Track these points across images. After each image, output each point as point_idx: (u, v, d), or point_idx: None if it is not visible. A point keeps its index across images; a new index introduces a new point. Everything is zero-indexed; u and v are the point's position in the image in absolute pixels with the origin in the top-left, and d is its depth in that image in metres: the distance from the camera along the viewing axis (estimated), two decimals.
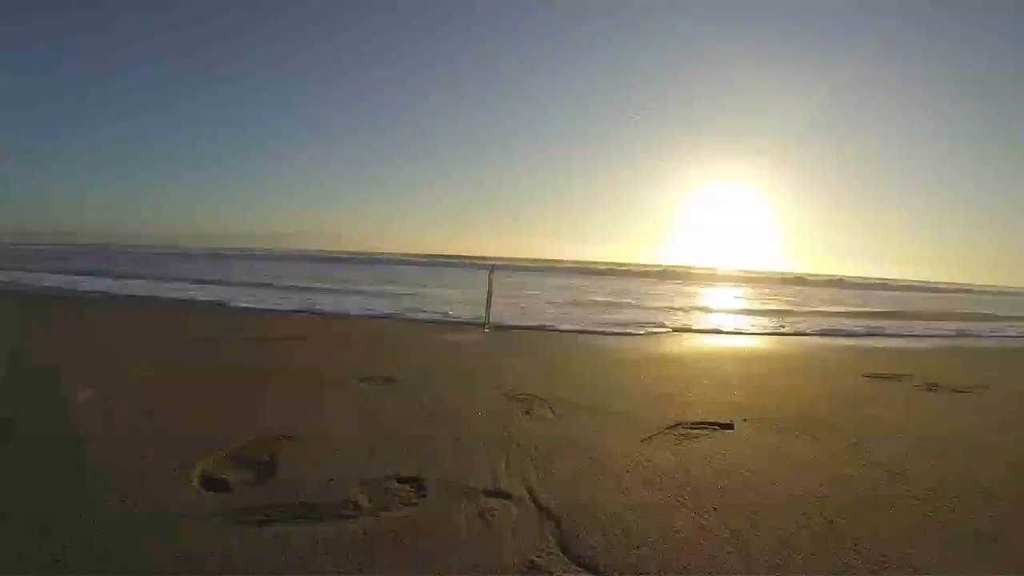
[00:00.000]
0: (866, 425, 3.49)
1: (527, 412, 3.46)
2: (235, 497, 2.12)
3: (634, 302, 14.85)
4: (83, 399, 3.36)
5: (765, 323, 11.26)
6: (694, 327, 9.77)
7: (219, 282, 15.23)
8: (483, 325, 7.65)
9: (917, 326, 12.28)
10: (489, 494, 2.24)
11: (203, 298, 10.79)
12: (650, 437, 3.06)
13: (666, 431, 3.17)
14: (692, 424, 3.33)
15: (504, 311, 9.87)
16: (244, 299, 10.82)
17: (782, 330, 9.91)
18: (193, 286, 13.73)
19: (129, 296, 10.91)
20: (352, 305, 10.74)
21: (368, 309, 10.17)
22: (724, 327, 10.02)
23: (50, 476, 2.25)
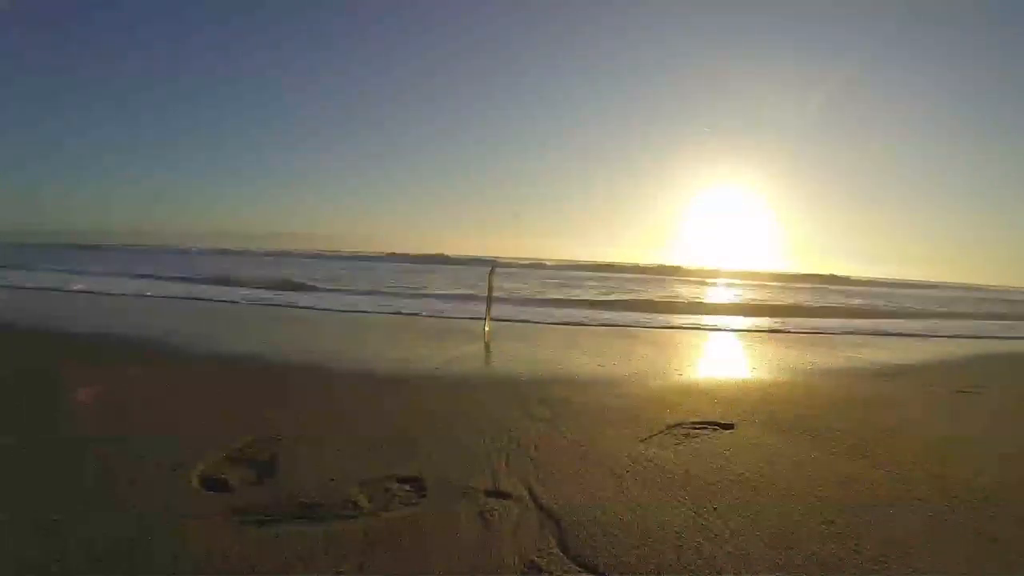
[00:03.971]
0: (866, 425, 3.49)
1: (527, 412, 3.46)
2: (235, 497, 2.12)
3: (638, 300, 14.86)
4: (83, 399, 3.36)
5: (765, 323, 11.26)
6: (696, 327, 9.77)
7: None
8: (483, 324, 7.64)
9: (917, 326, 12.28)
10: (489, 494, 2.24)
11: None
12: (650, 437, 3.06)
13: (666, 431, 3.17)
14: (692, 424, 3.32)
15: (504, 311, 9.87)
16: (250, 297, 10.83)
17: (782, 330, 9.91)
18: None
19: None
20: (351, 303, 10.76)
21: (366, 305, 10.19)
22: (725, 327, 10.02)
23: (50, 477, 2.25)
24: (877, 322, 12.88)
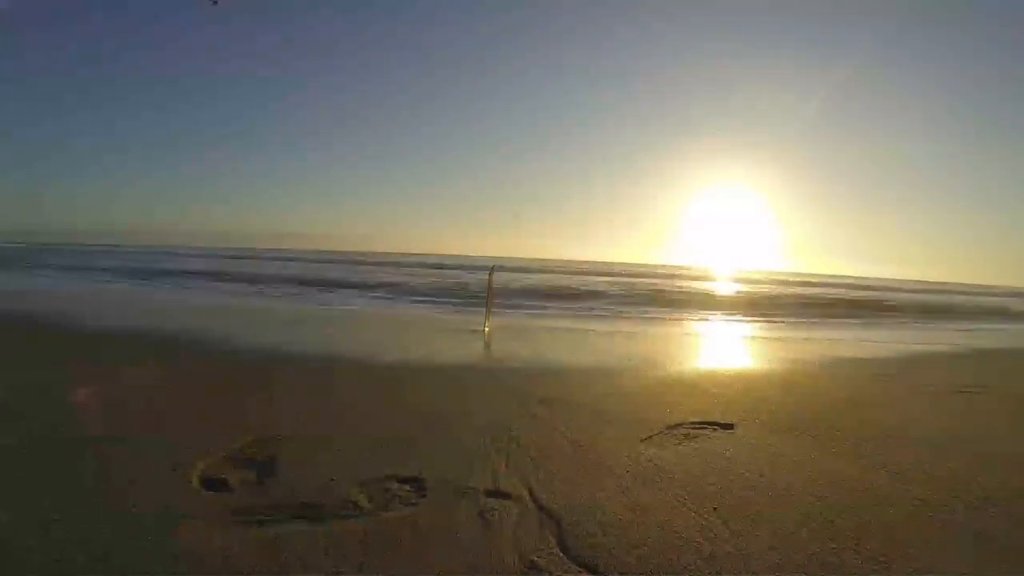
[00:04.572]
0: (866, 425, 3.48)
1: (527, 412, 3.45)
2: (235, 497, 2.12)
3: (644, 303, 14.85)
4: (83, 398, 3.35)
5: (765, 324, 11.26)
6: (696, 328, 9.77)
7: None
8: (483, 325, 7.64)
9: (916, 326, 12.29)
10: (489, 494, 2.24)
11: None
12: (650, 437, 3.06)
13: (666, 431, 3.17)
14: (693, 424, 3.32)
15: (504, 311, 9.87)
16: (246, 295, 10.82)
17: (782, 331, 9.91)
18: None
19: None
20: (352, 301, 10.77)
21: (365, 306, 10.19)
22: (725, 328, 10.02)
23: (50, 477, 2.25)
24: (877, 322, 12.89)
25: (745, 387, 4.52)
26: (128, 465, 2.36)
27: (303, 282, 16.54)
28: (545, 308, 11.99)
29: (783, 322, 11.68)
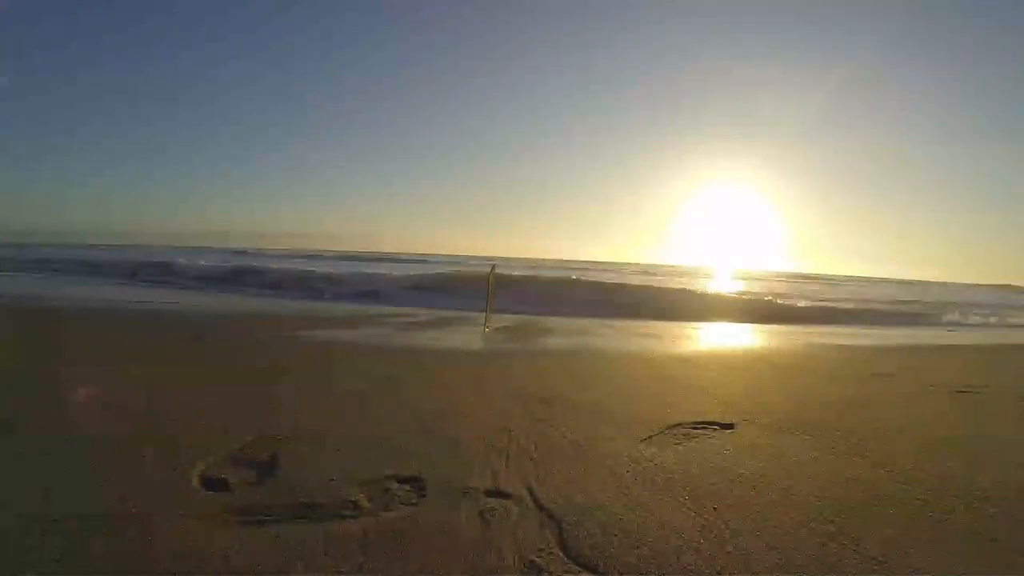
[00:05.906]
0: (866, 425, 3.48)
1: (527, 411, 3.46)
2: (235, 497, 2.12)
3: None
4: (82, 398, 3.35)
5: (765, 323, 11.27)
6: (697, 328, 9.77)
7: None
8: (483, 324, 7.64)
9: (916, 325, 12.29)
10: (489, 494, 2.24)
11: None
12: (650, 437, 3.06)
13: (666, 431, 3.17)
14: (693, 424, 3.32)
15: (504, 310, 9.87)
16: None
17: (782, 330, 9.91)
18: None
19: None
20: (348, 301, 10.77)
21: (364, 306, 10.19)
22: (725, 328, 10.02)
23: (50, 476, 2.25)
24: (878, 322, 12.89)
25: (745, 387, 4.52)
26: (128, 465, 2.36)
27: (309, 284, 16.53)
28: (545, 307, 11.99)
29: (783, 322, 11.69)
